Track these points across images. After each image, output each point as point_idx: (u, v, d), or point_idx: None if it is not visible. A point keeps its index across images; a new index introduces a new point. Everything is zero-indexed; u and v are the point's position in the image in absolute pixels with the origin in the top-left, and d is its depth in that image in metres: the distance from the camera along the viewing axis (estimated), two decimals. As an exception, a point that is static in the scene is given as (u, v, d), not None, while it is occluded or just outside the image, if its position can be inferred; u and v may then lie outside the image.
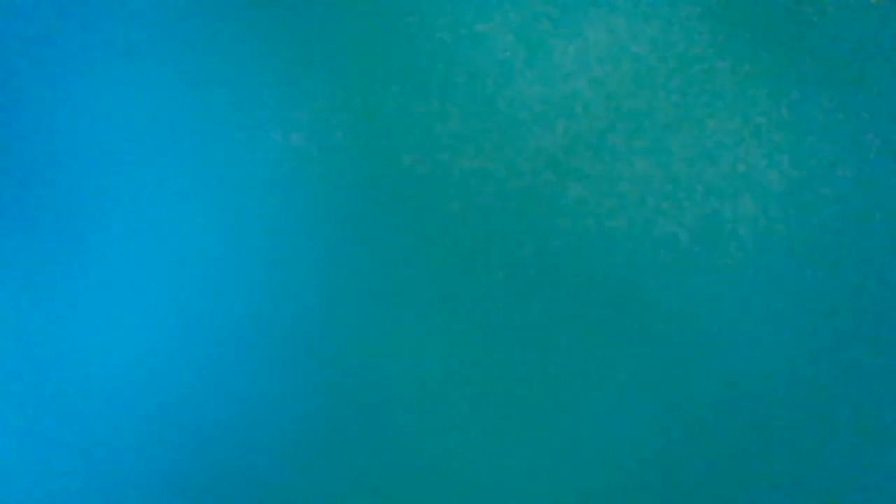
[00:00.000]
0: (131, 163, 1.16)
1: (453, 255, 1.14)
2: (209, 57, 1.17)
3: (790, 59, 1.15)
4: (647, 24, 1.16)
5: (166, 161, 1.16)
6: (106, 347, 1.15)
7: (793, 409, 1.11)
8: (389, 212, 1.15)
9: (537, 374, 1.13)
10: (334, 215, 1.15)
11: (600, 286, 1.13)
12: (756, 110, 1.14)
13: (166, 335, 1.15)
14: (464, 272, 1.14)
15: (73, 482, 1.14)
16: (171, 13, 1.18)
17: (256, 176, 1.16)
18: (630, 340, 1.12)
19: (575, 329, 1.13)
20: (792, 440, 1.11)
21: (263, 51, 1.17)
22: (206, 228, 1.15)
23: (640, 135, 1.14)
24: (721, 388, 1.11)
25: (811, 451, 1.11)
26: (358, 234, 1.15)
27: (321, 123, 1.16)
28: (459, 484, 1.12)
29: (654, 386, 1.12)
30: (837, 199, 1.13)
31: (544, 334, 1.13)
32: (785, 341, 1.12)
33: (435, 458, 1.12)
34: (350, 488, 1.13)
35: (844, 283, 1.12)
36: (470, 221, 1.14)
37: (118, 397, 1.14)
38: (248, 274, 1.15)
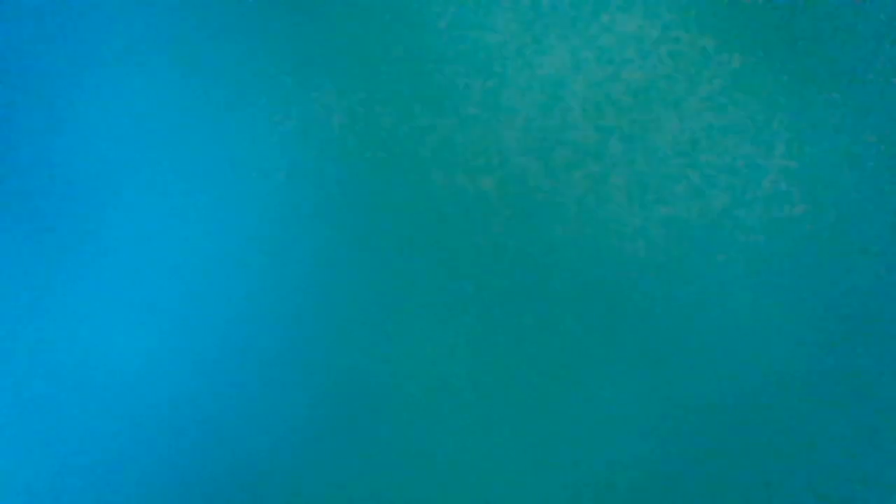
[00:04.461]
0: (129, 162, 1.17)
1: (451, 254, 1.14)
2: (208, 56, 1.17)
3: (792, 55, 1.15)
4: (645, 21, 1.15)
5: (165, 159, 1.16)
6: (104, 347, 1.15)
7: (793, 408, 1.11)
8: (388, 212, 1.15)
9: (535, 373, 1.13)
10: (333, 215, 1.15)
11: (599, 285, 1.13)
12: (758, 108, 1.14)
13: (165, 334, 1.15)
14: (462, 271, 1.14)
15: (72, 482, 1.14)
16: (170, 11, 1.18)
17: (256, 175, 1.16)
18: (629, 339, 1.12)
19: (574, 328, 1.13)
20: (792, 440, 1.11)
21: (262, 50, 1.17)
22: (206, 227, 1.15)
23: (640, 133, 1.14)
24: (721, 388, 1.11)
25: (812, 451, 1.11)
26: (357, 233, 1.15)
27: (320, 123, 1.16)
28: (458, 483, 1.12)
29: (654, 385, 1.12)
30: (839, 198, 1.13)
31: (542, 334, 1.13)
32: (785, 340, 1.12)
33: (434, 457, 1.12)
34: (350, 488, 1.13)
35: (846, 282, 1.12)
36: (468, 220, 1.14)
37: (117, 397, 1.14)
38: (247, 273, 1.15)
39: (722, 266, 1.12)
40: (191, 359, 1.14)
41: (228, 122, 1.16)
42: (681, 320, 1.12)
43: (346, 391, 1.13)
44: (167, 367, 1.14)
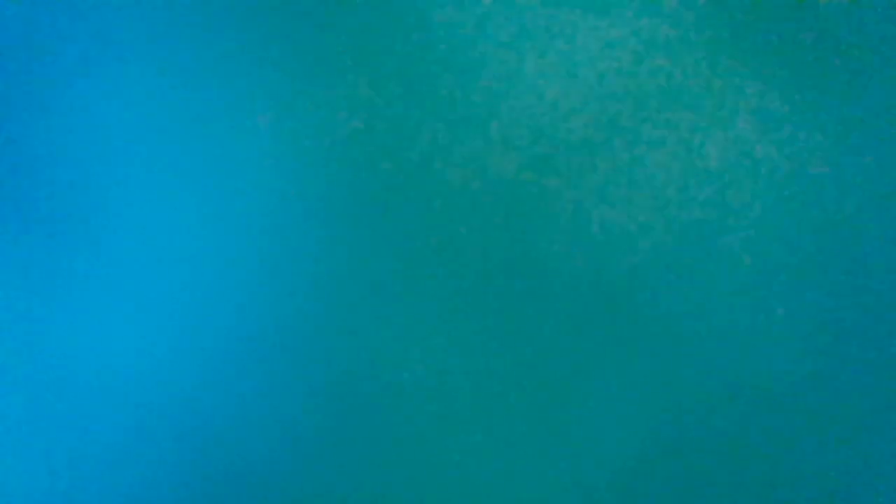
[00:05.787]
0: (129, 162, 1.17)
1: (451, 254, 1.14)
2: (206, 56, 1.17)
3: (792, 55, 1.15)
4: (645, 21, 1.16)
5: (163, 160, 1.16)
6: (104, 346, 1.15)
7: (790, 408, 1.11)
8: (388, 211, 1.15)
9: (536, 374, 1.13)
10: (332, 215, 1.15)
11: (598, 285, 1.13)
12: (759, 108, 1.14)
13: (165, 334, 1.15)
14: (461, 272, 1.14)
15: (73, 480, 1.14)
16: (168, 11, 1.18)
17: (255, 175, 1.16)
18: (628, 340, 1.12)
19: (574, 328, 1.13)
20: (789, 441, 1.11)
21: (261, 50, 1.17)
22: (205, 227, 1.15)
23: (639, 135, 1.14)
24: (720, 388, 1.12)
25: (809, 451, 1.11)
26: (356, 233, 1.15)
27: (319, 123, 1.16)
28: (458, 483, 1.12)
29: (652, 386, 1.12)
30: (838, 198, 1.13)
31: (543, 334, 1.13)
32: (784, 341, 1.12)
33: (433, 457, 1.12)
34: (349, 487, 1.13)
35: (844, 282, 1.12)
36: (468, 221, 1.14)
37: (118, 396, 1.14)
38: (247, 273, 1.15)
39: (722, 267, 1.13)
40: (191, 358, 1.14)
41: (230, 123, 1.16)
42: (681, 321, 1.12)
43: (346, 390, 1.13)
44: (167, 366, 1.14)
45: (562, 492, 1.12)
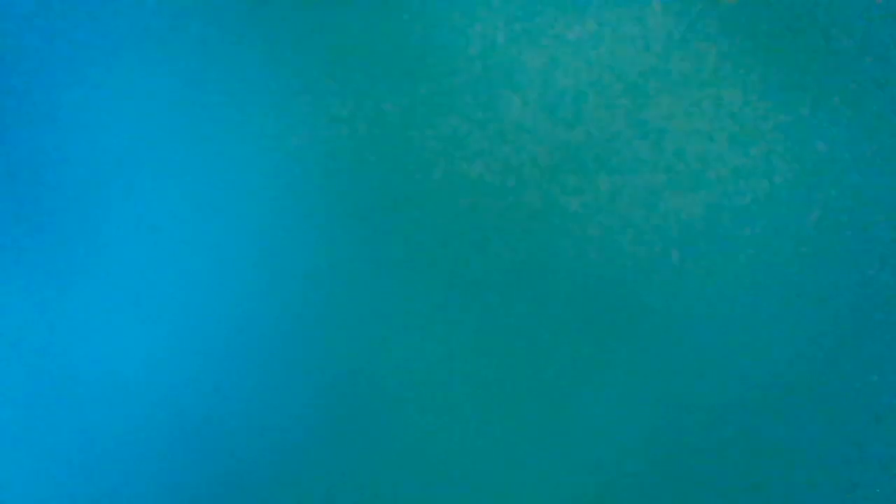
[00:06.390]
0: (130, 164, 1.17)
1: (451, 256, 1.14)
2: (210, 57, 1.17)
3: (793, 60, 1.15)
4: (649, 26, 1.16)
5: (164, 160, 1.17)
6: (106, 347, 1.15)
7: (793, 409, 1.11)
8: (389, 213, 1.15)
9: (535, 374, 1.13)
10: (334, 216, 1.15)
11: (599, 287, 1.13)
12: (758, 112, 1.15)
13: (166, 334, 1.15)
14: (462, 273, 1.14)
15: (73, 481, 1.14)
16: (172, 13, 1.18)
17: (256, 176, 1.16)
18: (628, 340, 1.12)
19: (573, 330, 1.13)
20: (788, 440, 1.11)
21: (263, 52, 1.17)
22: (206, 228, 1.16)
23: (640, 136, 1.15)
24: (719, 388, 1.12)
25: (807, 451, 1.11)
26: (357, 235, 1.15)
27: (320, 124, 1.16)
28: (458, 482, 1.12)
29: (652, 386, 1.12)
30: (838, 202, 1.13)
31: (542, 335, 1.13)
32: (783, 342, 1.12)
33: (433, 456, 1.13)
34: (348, 487, 1.13)
35: (844, 284, 1.12)
36: (469, 223, 1.14)
37: (118, 396, 1.14)
38: (248, 273, 1.15)
39: (722, 267, 1.13)
40: (189, 358, 1.14)
41: (231, 123, 1.17)
42: (681, 321, 1.12)
43: (346, 391, 1.14)
44: (166, 365, 1.14)
45: (562, 491, 1.12)
